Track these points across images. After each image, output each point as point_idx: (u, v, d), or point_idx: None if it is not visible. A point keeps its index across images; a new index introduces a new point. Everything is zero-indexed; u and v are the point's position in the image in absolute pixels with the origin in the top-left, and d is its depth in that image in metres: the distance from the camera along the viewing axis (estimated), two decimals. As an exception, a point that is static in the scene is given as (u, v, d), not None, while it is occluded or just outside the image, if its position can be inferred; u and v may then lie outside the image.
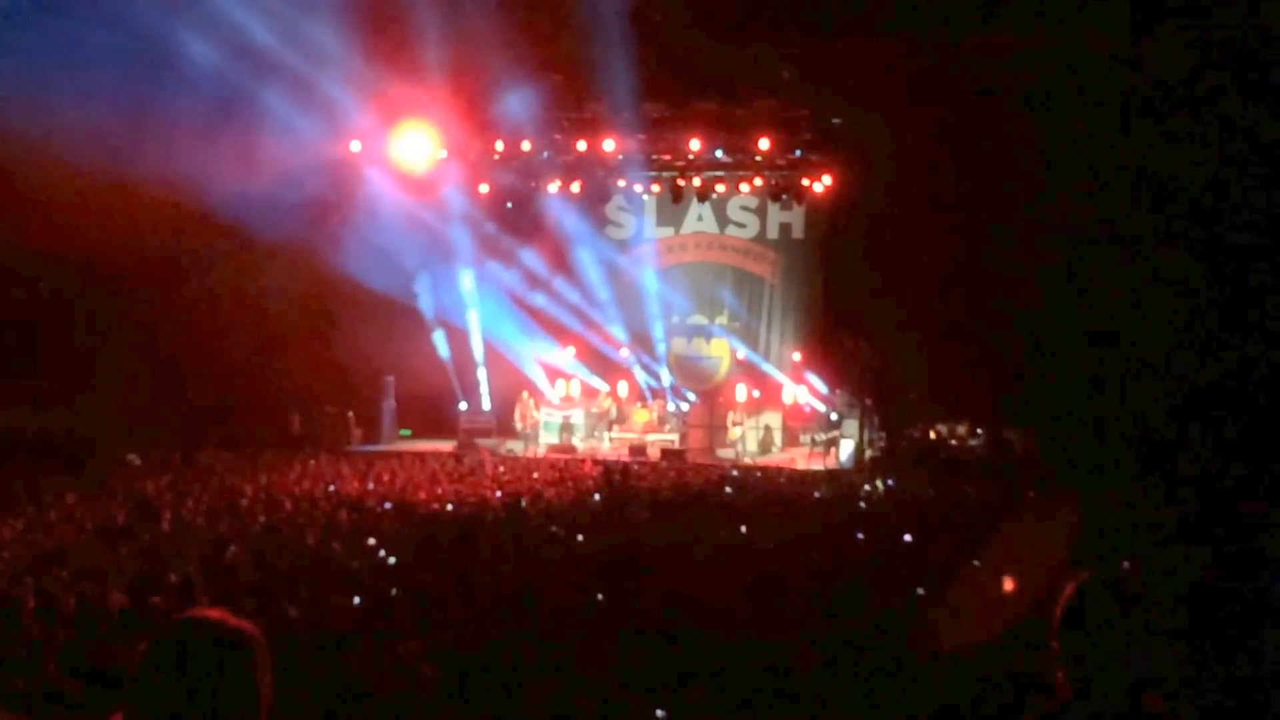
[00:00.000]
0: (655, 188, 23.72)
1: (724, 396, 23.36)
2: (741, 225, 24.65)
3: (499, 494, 14.77)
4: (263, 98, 19.32)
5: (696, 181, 22.94)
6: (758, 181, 22.71)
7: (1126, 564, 2.59)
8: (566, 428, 22.50)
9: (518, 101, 20.90)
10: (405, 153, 21.78)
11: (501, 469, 18.20)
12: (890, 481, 17.02)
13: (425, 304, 23.44)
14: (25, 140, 16.85)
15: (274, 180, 19.95)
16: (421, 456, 19.64)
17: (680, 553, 10.60)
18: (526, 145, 21.94)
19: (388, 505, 13.43)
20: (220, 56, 18.58)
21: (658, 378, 24.34)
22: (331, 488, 14.95)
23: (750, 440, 22.05)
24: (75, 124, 17.31)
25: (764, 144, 21.01)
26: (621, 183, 23.54)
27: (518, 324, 23.76)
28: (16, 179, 17.59)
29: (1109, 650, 2.59)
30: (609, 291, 24.55)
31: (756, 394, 23.22)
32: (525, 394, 22.94)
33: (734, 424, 21.96)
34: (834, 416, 21.60)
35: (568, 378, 23.76)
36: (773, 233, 24.38)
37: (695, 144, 21.31)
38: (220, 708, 2.36)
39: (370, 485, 15.43)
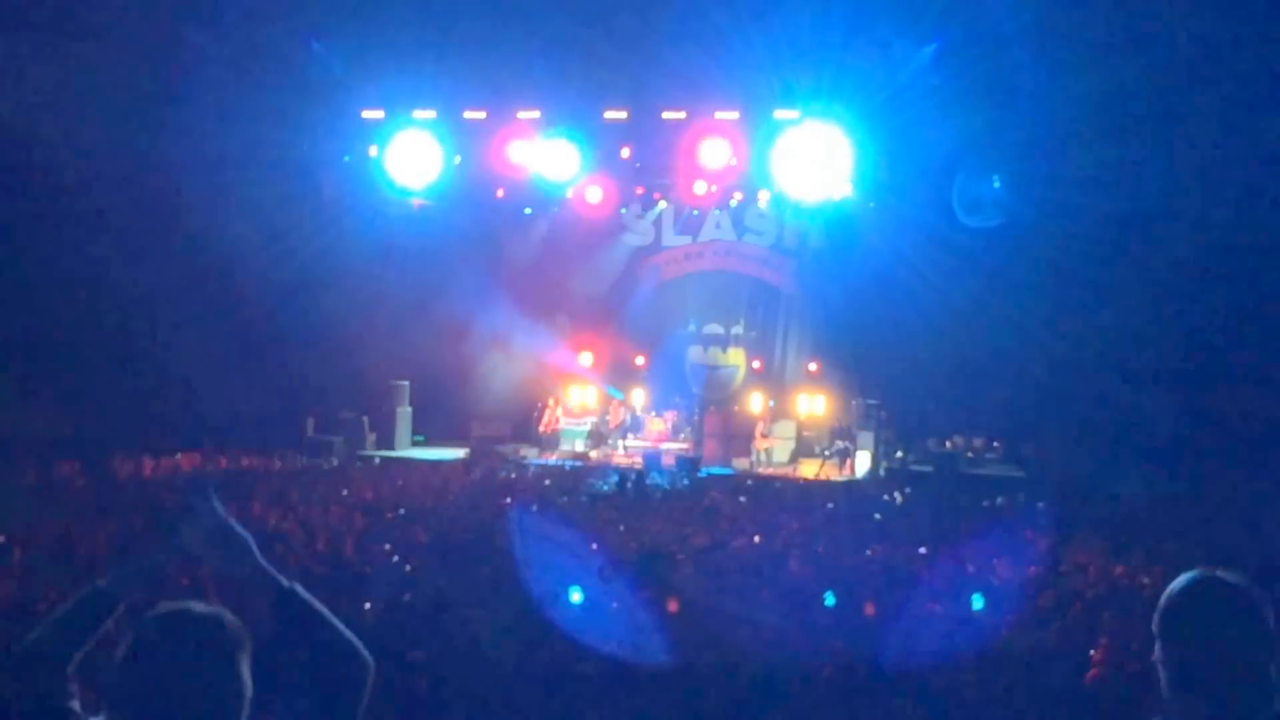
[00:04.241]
0: (673, 195, 23.64)
1: (739, 406, 23.27)
2: (759, 234, 24.56)
3: (509, 500, 14.68)
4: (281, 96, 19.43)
5: (714, 189, 22.85)
6: (776, 189, 22.56)
7: (1229, 570, 2.55)
8: (582, 435, 22.45)
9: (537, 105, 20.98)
10: (414, 159, 21.74)
11: (513, 476, 18.15)
12: (906, 493, 16.93)
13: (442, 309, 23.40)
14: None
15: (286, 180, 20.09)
16: (435, 463, 19.62)
17: (694, 561, 10.53)
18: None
19: (401, 511, 13.38)
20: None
21: (673, 386, 24.26)
22: (345, 492, 14.91)
23: (778, 452, 21.94)
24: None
25: (783, 152, 20.88)
26: (639, 189, 23.47)
27: (533, 331, 23.70)
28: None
29: (1214, 654, 2.53)
30: (626, 299, 24.51)
31: (772, 404, 23.14)
32: (552, 400, 22.92)
33: (764, 435, 21.85)
34: (850, 428, 21.49)
35: (584, 386, 23.72)
36: (790, 241, 24.28)
37: (714, 151, 21.21)
38: (202, 698, 2.32)
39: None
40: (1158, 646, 2.61)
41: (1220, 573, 2.63)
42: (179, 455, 17.76)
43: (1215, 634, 2.52)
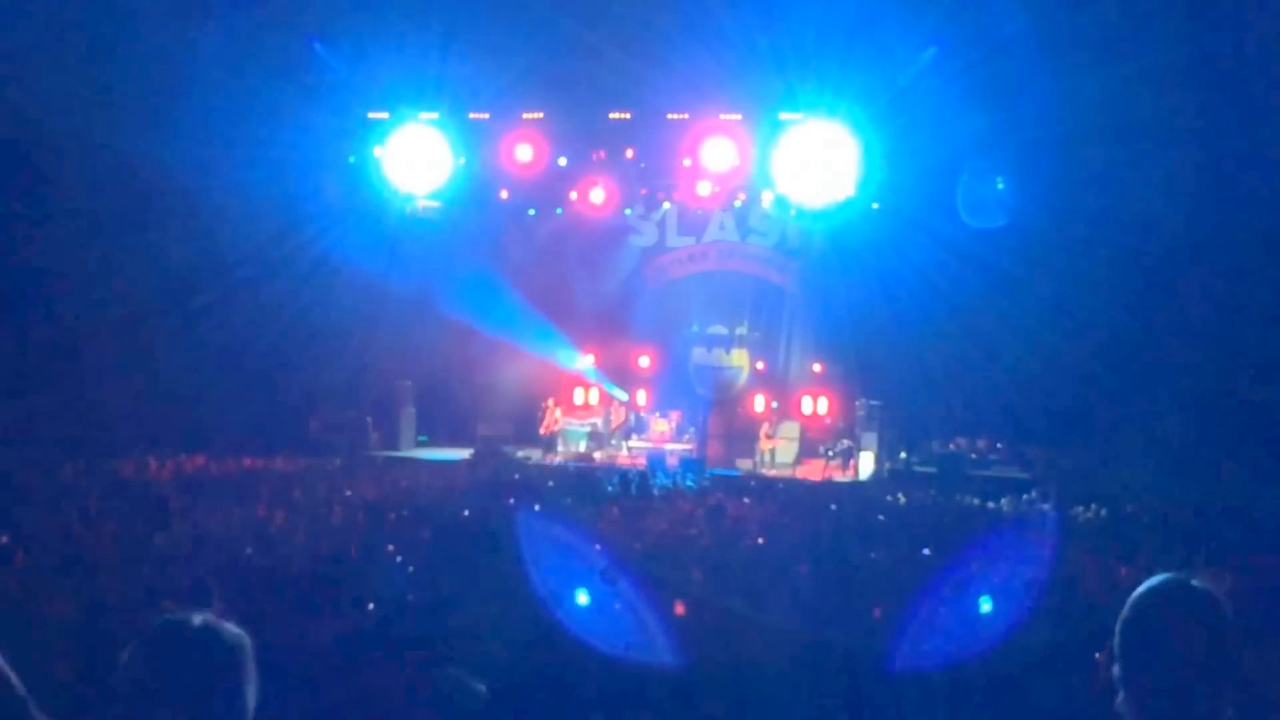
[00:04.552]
0: (676, 196, 23.64)
1: (743, 407, 23.26)
2: (763, 234, 24.55)
3: (512, 501, 14.66)
4: (272, 99, 19.40)
5: (718, 190, 22.82)
6: (779, 190, 22.52)
7: (1198, 575, 2.53)
8: (585, 436, 22.47)
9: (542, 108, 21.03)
10: (417, 160, 21.72)
11: (517, 476, 18.15)
12: (910, 494, 16.91)
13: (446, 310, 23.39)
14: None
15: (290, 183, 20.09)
16: (439, 463, 19.63)
17: (700, 563, 10.52)
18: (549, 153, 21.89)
19: (405, 511, 13.37)
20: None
21: (677, 387, 24.25)
22: (349, 493, 14.89)
23: (782, 453, 21.95)
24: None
25: (786, 153, 20.86)
26: (643, 190, 23.47)
27: (538, 331, 23.70)
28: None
29: (1172, 658, 2.52)
30: (630, 300, 24.51)
31: (775, 405, 23.13)
32: (550, 401, 22.91)
33: (767, 435, 21.85)
34: (854, 429, 21.49)
35: (587, 386, 23.71)
36: (794, 242, 24.25)
37: (718, 152, 21.18)
38: (202, 707, 2.31)
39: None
40: (1117, 645, 2.59)
41: (1189, 579, 2.61)
42: (184, 456, 17.76)
43: (1179, 638, 2.51)
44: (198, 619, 2.40)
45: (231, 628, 2.40)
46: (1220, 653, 2.51)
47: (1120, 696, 2.57)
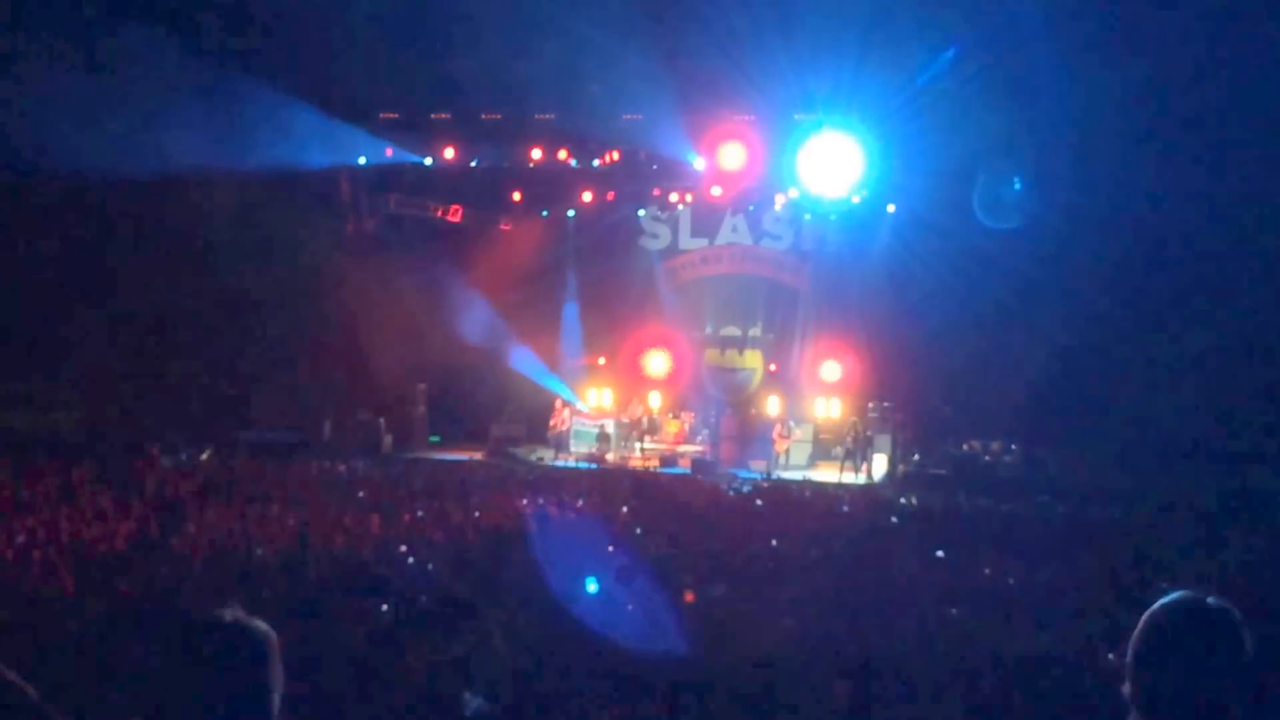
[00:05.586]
0: (689, 198, 23.62)
1: (756, 408, 23.24)
2: (776, 237, 24.53)
3: (525, 502, 14.67)
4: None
5: (732, 192, 22.81)
6: (792, 193, 22.52)
7: (1212, 593, 2.49)
8: (598, 437, 22.46)
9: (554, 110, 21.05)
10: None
11: (532, 477, 18.15)
12: (923, 496, 16.89)
13: (459, 311, 23.42)
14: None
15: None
16: (451, 464, 19.66)
17: (712, 564, 10.53)
18: (562, 154, 21.92)
19: (420, 513, 13.38)
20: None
21: (690, 389, 24.22)
22: (361, 494, 14.91)
23: (795, 454, 21.93)
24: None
25: (797, 155, 20.85)
26: (656, 192, 23.46)
27: (551, 332, 23.72)
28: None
29: (1188, 678, 2.49)
30: (643, 301, 24.51)
31: (788, 406, 23.09)
32: (558, 402, 22.91)
33: (782, 436, 21.83)
34: (867, 431, 21.45)
35: (600, 387, 23.71)
36: (807, 244, 24.23)
37: (732, 154, 21.16)
38: (231, 703, 2.36)
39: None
40: (1131, 665, 2.56)
41: (1206, 597, 2.58)
42: (203, 456, 17.83)
43: (1196, 658, 2.48)
44: (228, 615, 2.45)
45: (259, 623, 2.46)
46: (1239, 672, 2.49)
47: (1132, 716, 2.55)
